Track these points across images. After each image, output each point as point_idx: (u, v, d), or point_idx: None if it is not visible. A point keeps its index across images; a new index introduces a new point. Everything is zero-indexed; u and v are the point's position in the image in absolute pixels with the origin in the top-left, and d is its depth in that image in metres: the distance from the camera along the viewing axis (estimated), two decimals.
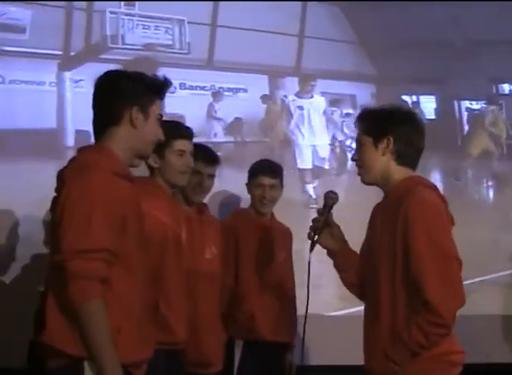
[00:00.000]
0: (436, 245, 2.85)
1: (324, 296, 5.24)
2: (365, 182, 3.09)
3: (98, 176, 2.63)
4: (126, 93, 2.77)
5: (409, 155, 3.04)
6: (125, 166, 2.78)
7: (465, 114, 6.64)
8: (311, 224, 3.18)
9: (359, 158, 3.08)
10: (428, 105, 6.63)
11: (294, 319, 4.36)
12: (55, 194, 2.74)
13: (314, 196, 6.08)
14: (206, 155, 3.90)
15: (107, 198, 2.60)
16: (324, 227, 3.17)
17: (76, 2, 5.47)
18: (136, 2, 5.58)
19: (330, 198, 3.20)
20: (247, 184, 4.40)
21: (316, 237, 3.16)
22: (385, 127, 3.01)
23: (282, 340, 4.38)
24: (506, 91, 6.56)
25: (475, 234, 5.53)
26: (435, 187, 3.07)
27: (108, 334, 2.53)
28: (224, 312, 4.11)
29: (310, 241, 3.18)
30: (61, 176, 2.73)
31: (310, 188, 6.20)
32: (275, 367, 4.38)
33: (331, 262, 3.25)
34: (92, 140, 2.80)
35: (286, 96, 6.31)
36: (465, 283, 2.95)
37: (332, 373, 5.14)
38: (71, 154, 5.09)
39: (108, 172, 2.66)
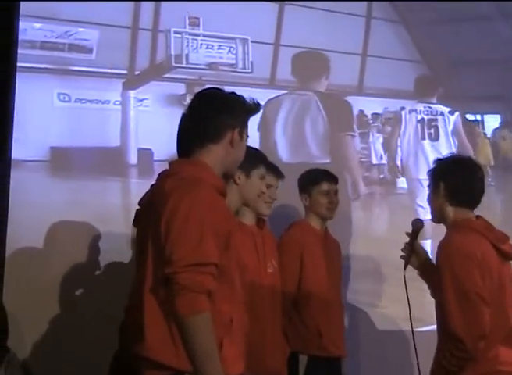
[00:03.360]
0: (458, 284, 3.34)
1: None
2: (432, 221, 3.68)
3: (206, 191, 2.69)
4: (233, 114, 2.86)
5: (462, 197, 3.55)
6: (223, 182, 2.84)
7: None
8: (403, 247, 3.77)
9: (427, 201, 3.68)
10: (492, 125, 6.53)
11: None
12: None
13: None
14: (275, 169, 3.97)
15: (215, 213, 2.66)
16: (412, 251, 3.73)
17: (141, 23, 5.55)
18: (201, 22, 5.64)
19: (415, 225, 3.74)
20: (303, 194, 4.41)
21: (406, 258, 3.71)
22: (437, 176, 3.62)
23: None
24: None
25: None
26: (483, 230, 3.49)
27: (215, 348, 2.54)
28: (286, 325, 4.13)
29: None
30: (157, 190, 2.76)
31: None
32: None
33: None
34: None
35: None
36: None
37: None
38: (134, 171, 5.23)
39: (212, 187, 2.71)
